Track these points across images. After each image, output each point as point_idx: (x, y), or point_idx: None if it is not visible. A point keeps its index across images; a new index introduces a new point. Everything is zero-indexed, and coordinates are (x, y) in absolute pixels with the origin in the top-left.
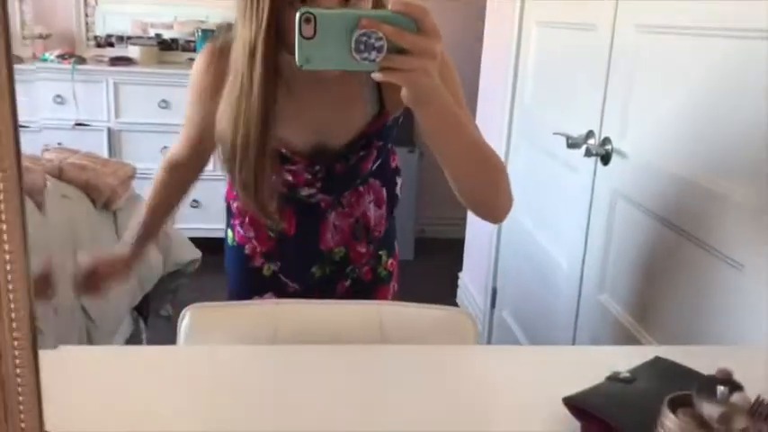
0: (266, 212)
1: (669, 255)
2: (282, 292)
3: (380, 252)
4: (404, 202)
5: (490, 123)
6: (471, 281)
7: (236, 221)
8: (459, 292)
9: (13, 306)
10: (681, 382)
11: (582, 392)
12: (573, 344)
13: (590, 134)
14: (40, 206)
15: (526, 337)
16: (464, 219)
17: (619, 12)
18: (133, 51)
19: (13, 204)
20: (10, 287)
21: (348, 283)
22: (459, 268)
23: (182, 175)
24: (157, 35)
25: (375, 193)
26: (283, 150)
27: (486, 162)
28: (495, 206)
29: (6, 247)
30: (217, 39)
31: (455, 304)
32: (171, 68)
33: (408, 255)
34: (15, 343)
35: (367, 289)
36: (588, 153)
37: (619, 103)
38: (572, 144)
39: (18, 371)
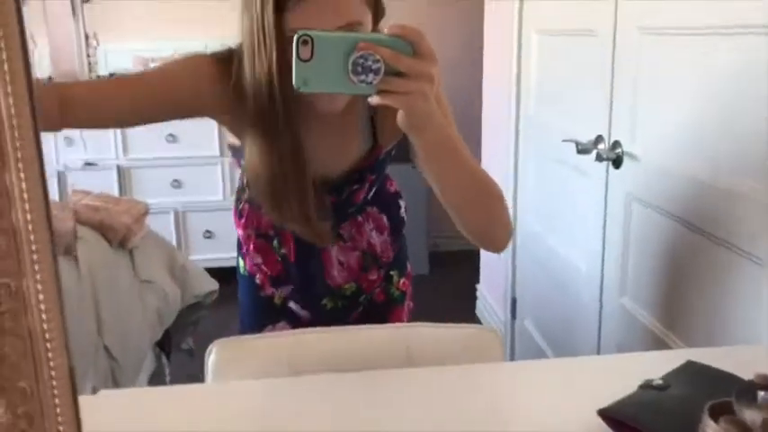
0: (323, 239)
1: (688, 254)
2: (295, 320)
3: (391, 272)
4: (415, 217)
5: (496, 135)
6: (489, 292)
7: (243, 250)
8: (479, 303)
9: (50, 355)
10: (715, 386)
11: (616, 403)
12: (598, 349)
13: (599, 139)
14: (69, 251)
15: (549, 346)
16: None
17: (619, 15)
18: None
19: (46, 256)
20: (47, 336)
21: (361, 309)
22: (476, 280)
23: (54, 105)
24: None
25: (375, 221)
26: None
27: (485, 190)
28: (494, 236)
29: (42, 297)
30: (221, 61)
31: (474, 317)
32: None
33: (423, 269)
34: (55, 391)
35: (380, 311)
36: (599, 158)
37: (626, 107)
38: (582, 150)
39: (60, 419)
